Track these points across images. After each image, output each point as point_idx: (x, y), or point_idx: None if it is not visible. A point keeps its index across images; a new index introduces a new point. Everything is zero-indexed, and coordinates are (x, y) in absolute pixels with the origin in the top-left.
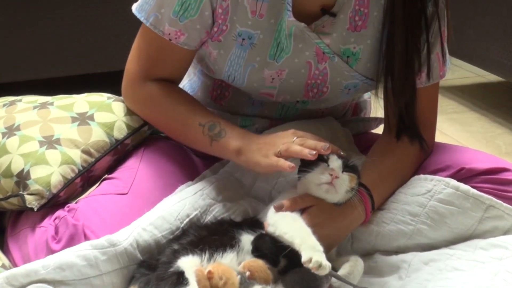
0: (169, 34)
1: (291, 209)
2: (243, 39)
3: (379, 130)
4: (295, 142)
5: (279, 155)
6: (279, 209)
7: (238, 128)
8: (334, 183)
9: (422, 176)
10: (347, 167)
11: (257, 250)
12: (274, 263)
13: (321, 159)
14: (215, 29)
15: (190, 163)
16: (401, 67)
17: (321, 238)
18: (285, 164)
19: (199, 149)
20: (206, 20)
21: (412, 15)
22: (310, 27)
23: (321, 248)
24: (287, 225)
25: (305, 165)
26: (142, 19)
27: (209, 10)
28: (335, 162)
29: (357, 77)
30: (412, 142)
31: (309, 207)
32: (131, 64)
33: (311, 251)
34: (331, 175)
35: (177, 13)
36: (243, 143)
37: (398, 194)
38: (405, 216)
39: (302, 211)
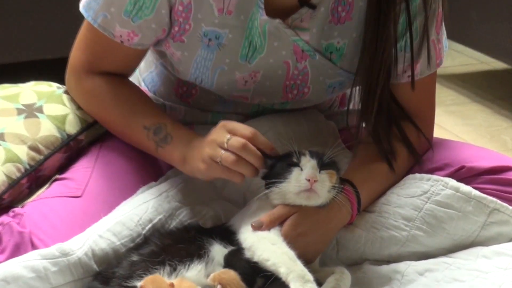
0: (121, 36)
1: (271, 226)
2: (210, 40)
3: None
4: (230, 144)
5: (220, 164)
6: (258, 228)
7: (187, 131)
8: (314, 187)
9: (417, 175)
10: (324, 165)
11: (230, 268)
12: (249, 283)
13: (292, 163)
14: (176, 28)
15: (153, 162)
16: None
17: (306, 247)
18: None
19: (147, 152)
20: (162, 18)
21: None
22: (287, 22)
23: (311, 277)
24: (268, 251)
25: (275, 175)
26: (89, 19)
27: (166, 8)
28: (309, 163)
29: (343, 75)
30: (403, 155)
31: (290, 216)
32: (76, 53)
33: (301, 282)
34: (309, 180)
35: (129, 13)
36: (187, 150)
37: (390, 195)
38: (398, 220)
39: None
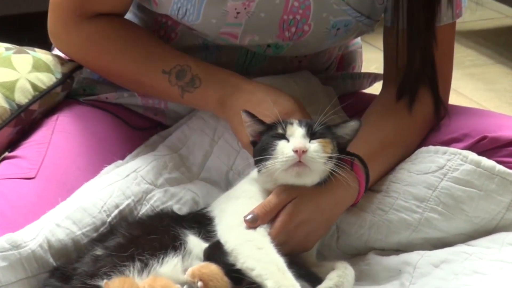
0: None
1: (267, 219)
2: None
3: (374, 90)
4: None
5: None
6: (252, 224)
7: (218, 69)
8: (304, 160)
9: (431, 147)
10: (315, 133)
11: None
12: (235, 280)
13: (277, 135)
14: None
15: (120, 136)
16: None
17: (306, 237)
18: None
19: (169, 101)
20: None
21: None
22: None
23: None
24: (253, 258)
25: (260, 152)
26: None
27: None
28: (297, 132)
29: (350, 13)
30: (423, 102)
31: (287, 203)
32: None
33: None
34: (296, 151)
35: None
36: (225, 91)
37: (399, 172)
38: (409, 201)
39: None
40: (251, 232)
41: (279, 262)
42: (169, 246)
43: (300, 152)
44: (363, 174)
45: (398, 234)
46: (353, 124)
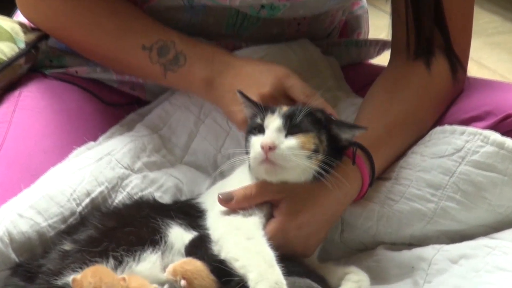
0: None
1: (244, 206)
2: None
3: (383, 61)
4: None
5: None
6: (225, 202)
7: (203, 46)
8: (272, 158)
9: (447, 127)
10: (297, 125)
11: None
12: (223, 279)
13: (256, 126)
14: None
15: (92, 114)
16: None
17: (307, 240)
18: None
19: (150, 80)
20: None
21: None
22: None
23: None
24: (239, 247)
25: (245, 142)
26: None
27: None
28: (272, 124)
29: None
30: (438, 66)
31: (279, 202)
32: None
33: None
34: (263, 148)
35: None
36: (213, 70)
37: (411, 156)
38: (423, 188)
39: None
40: (243, 220)
41: (267, 255)
42: (147, 241)
43: (267, 149)
44: (366, 165)
45: (410, 226)
46: (352, 132)
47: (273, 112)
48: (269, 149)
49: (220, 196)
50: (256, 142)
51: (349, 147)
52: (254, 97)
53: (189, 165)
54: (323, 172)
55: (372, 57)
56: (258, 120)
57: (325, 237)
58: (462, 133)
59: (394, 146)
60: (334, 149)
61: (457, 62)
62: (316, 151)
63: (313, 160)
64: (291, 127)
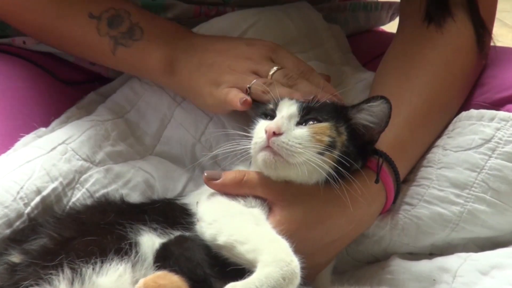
0: None
1: (228, 190)
2: None
3: (396, 28)
4: (276, 77)
5: (247, 93)
6: (209, 179)
7: (162, 20)
8: (273, 145)
9: (473, 112)
10: (312, 114)
11: (168, 268)
12: None
13: (266, 111)
14: None
15: (43, 94)
16: None
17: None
18: (236, 97)
19: (94, 60)
20: None
21: None
22: None
23: (297, 270)
24: (246, 230)
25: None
26: None
27: None
28: (286, 109)
29: None
30: (459, 32)
31: (274, 205)
32: None
33: (280, 269)
34: (266, 132)
35: None
36: (174, 50)
37: (431, 150)
38: (445, 188)
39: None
40: (245, 208)
41: (283, 242)
42: (113, 250)
43: (270, 133)
44: (390, 176)
45: (431, 235)
46: (379, 105)
47: (290, 98)
48: (273, 134)
49: (205, 173)
50: (261, 126)
51: (371, 156)
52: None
53: (161, 156)
54: (336, 176)
55: (384, 23)
56: (271, 105)
57: (328, 259)
58: (492, 119)
59: (418, 145)
60: (356, 151)
61: (482, 24)
62: (331, 146)
63: (325, 157)
64: (305, 116)
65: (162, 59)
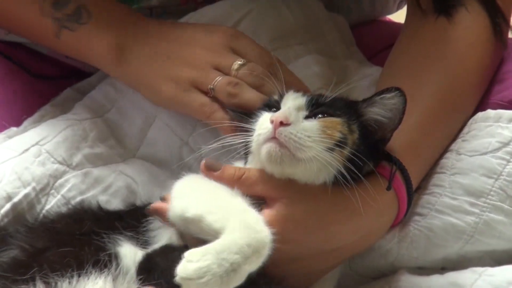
0: None
1: (226, 182)
2: None
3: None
4: (241, 75)
5: (210, 95)
6: (208, 169)
7: (113, 4)
8: (281, 135)
9: (490, 112)
10: (322, 108)
11: (157, 281)
12: None
13: (270, 103)
14: None
15: (15, 90)
16: None
17: (294, 266)
18: (202, 108)
19: (39, 42)
20: None
21: None
22: None
23: (267, 238)
24: (216, 202)
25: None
26: None
27: None
28: (292, 101)
29: None
30: (474, 21)
31: (274, 202)
32: None
33: (248, 235)
34: (272, 122)
35: None
36: (124, 37)
37: (444, 155)
38: (459, 197)
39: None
40: (227, 191)
41: (255, 215)
42: (90, 262)
43: (277, 123)
44: (403, 185)
45: (443, 248)
46: (393, 97)
47: (296, 91)
48: (280, 124)
49: (205, 160)
50: (265, 117)
51: (383, 161)
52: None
53: (145, 159)
54: (347, 175)
55: (391, 12)
56: (275, 97)
57: (323, 272)
58: (510, 120)
59: (432, 149)
60: (368, 151)
61: (498, 12)
62: (342, 142)
63: (336, 154)
64: (314, 110)
65: (110, 46)
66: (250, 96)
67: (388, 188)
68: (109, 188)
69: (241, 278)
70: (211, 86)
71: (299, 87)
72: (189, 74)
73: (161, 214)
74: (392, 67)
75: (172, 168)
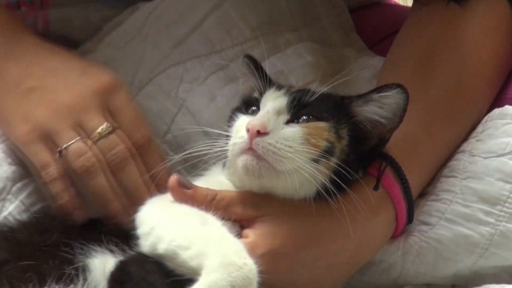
0: None
1: (196, 201)
2: None
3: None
4: (101, 146)
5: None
6: (179, 186)
7: None
8: (258, 146)
9: (509, 108)
10: (306, 110)
11: None
12: None
13: (249, 100)
14: None
15: None
16: None
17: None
18: (40, 163)
19: None
20: None
21: None
22: None
23: (253, 272)
24: (191, 232)
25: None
26: None
27: None
28: (272, 102)
29: None
30: (490, 7)
31: (254, 223)
32: None
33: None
34: (248, 130)
35: None
36: None
37: (455, 156)
38: (472, 204)
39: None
40: (191, 208)
41: (236, 244)
42: (54, 277)
43: (253, 133)
44: (396, 183)
45: (453, 262)
46: (393, 95)
47: (279, 88)
48: (257, 133)
49: (175, 176)
50: (242, 122)
51: (374, 160)
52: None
53: None
54: (333, 189)
55: None
56: (255, 94)
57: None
58: None
59: (437, 149)
60: (357, 159)
61: None
62: (329, 152)
63: (321, 165)
64: (297, 112)
65: None
66: (98, 183)
67: (375, 188)
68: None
69: None
70: (61, 148)
71: (161, 183)
72: (45, 121)
73: None
74: (396, 56)
75: None
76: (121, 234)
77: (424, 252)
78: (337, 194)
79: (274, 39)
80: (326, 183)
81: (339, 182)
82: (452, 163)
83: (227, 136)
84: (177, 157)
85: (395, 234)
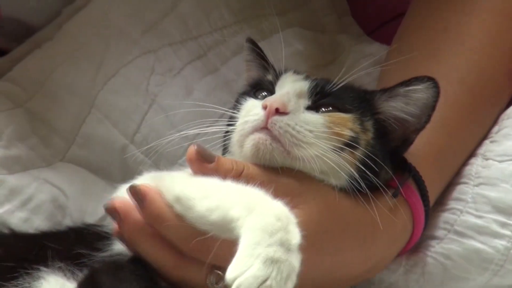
0: None
1: (221, 173)
2: None
3: None
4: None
5: None
6: (201, 159)
7: None
8: (273, 126)
9: None
10: (329, 99)
11: None
12: None
13: (261, 84)
14: None
15: None
16: None
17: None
18: None
19: None
20: None
21: None
22: None
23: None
24: (211, 186)
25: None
26: None
27: None
28: (289, 85)
29: None
30: None
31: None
32: None
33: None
34: (265, 108)
35: None
36: None
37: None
38: (486, 215)
39: None
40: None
41: (261, 194)
42: None
43: (272, 111)
44: (420, 202)
45: (464, 281)
46: (424, 90)
47: (297, 72)
48: (276, 112)
49: (196, 147)
50: (255, 103)
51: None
52: None
53: (77, 163)
54: (362, 182)
55: None
56: (269, 77)
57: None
58: None
59: (458, 155)
60: (385, 154)
61: None
62: (354, 142)
63: (346, 154)
64: (319, 100)
65: None
66: None
67: (395, 195)
68: (29, 201)
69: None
70: None
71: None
72: None
73: (127, 217)
74: (405, 41)
75: (113, 175)
76: (72, 253)
77: (431, 269)
78: (369, 194)
79: (257, 24)
80: (353, 174)
81: (369, 174)
82: (463, 167)
83: (232, 118)
84: (173, 137)
85: (406, 249)
